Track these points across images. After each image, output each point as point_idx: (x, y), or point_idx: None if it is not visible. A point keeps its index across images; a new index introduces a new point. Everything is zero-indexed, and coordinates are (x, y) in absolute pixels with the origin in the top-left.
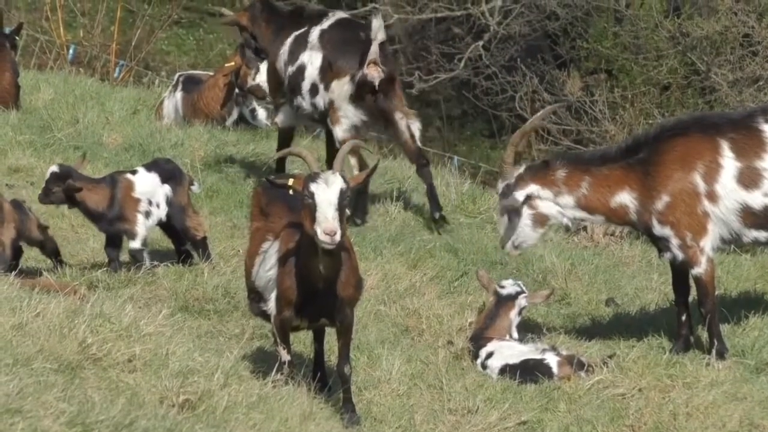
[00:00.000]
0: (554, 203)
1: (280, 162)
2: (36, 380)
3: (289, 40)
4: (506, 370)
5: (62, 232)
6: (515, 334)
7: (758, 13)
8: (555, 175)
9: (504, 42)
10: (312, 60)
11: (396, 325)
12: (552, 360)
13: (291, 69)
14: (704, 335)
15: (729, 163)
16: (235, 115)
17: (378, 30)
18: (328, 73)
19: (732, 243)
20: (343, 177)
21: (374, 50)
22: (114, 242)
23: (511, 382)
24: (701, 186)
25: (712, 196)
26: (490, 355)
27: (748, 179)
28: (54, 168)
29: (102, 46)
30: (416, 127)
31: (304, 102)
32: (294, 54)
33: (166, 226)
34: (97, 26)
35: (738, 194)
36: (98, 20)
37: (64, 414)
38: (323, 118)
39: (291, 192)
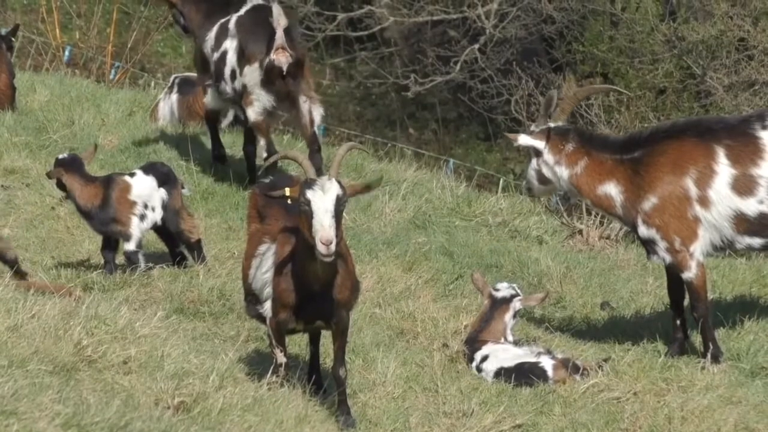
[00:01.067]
0: (552, 171)
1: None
2: (31, 382)
3: (215, 28)
4: (501, 373)
5: (57, 234)
6: (510, 337)
7: (754, 18)
8: (564, 146)
9: (500, 45)
10: (231, 46)
11: (391, 327)
12: (547, 363)
13: (216, 55)
14: (699, 339)
15: (724, 169)
16: (230, 117)
17: (279, 16)
18: (242, 58)
19: (725, 249)
20: (340, 183)
21: (279, 36)
22: (110, 244)
23: (506, 385)
24: (693, 191)
25: (704, 202)
26: (485, 358)
27: (743, 186)
28: (61, 155)
29: (98, 48)
30: (318, 112)
31: (227, 87)
32: (218, 41)
33: (160, 229)
34: (93, 28)
35: (732, 201)
36: (94, 22)
37: (60, 416)
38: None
39: (289, 201)
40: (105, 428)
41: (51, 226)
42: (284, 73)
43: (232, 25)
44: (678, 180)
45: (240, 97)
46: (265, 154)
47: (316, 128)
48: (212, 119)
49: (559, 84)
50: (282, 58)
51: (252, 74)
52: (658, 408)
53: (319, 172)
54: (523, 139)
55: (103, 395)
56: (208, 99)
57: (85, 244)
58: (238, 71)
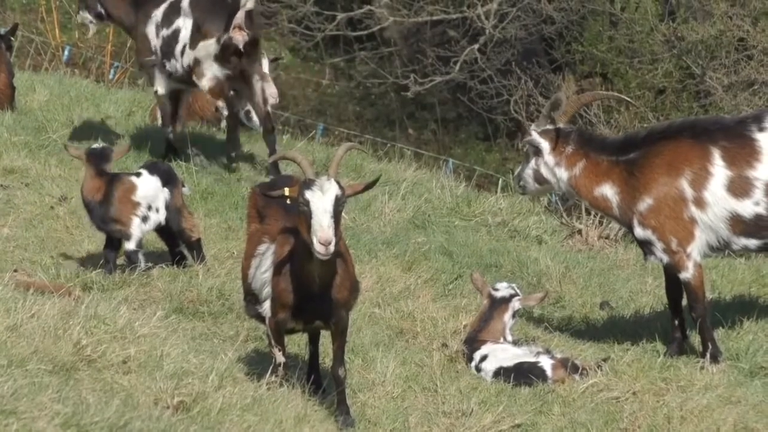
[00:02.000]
0: (552, 172)
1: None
2: (31, 381)
3: (164, 6)
4: (500, 372)
5: (57, 233)
6: (509, 337)
7: (753, 17)
8: (564, 148)
9: (499, 45)
10: (185, 24)
11: (390, 327)
12: (546, 363)
13: (166, 33)
14: (698, 339)
15: (719, 171)
16: None
17: (248, 1)
18: (197, 34)
19: (721, 250)
20: (338, 183)
21: (240, 16)
22: (112, 243)
23: (506, 385)
24: (688, 192)
25: (700, 203)
26: (484, 357)
27: (739, 188)
28: (95, 145)
29: (97, 48)
30: (270, 92)
31: (178, 64)
32: (168, 19)
33: (161, 228)
34: None
35: (727, 202)
36: None
37: (59, 415)
38: (190, 77)
39: (288, 201)
40: (104, 428)
41: (50, 225)
42: (240, 50)
43: (185, 4)
44: (673, 181)
45: (188, 74)
46: (225, 112)
47: (269, 108)
48: (167, 104)
49: (558, 84)
50: (239, 37)
51: (206, 48)
52: (657, 408)
53: (273, 153)
54: (535, 136)
55: (103, 395)
56: (158, 84)
57: (85, 244)
58: (189, 46)
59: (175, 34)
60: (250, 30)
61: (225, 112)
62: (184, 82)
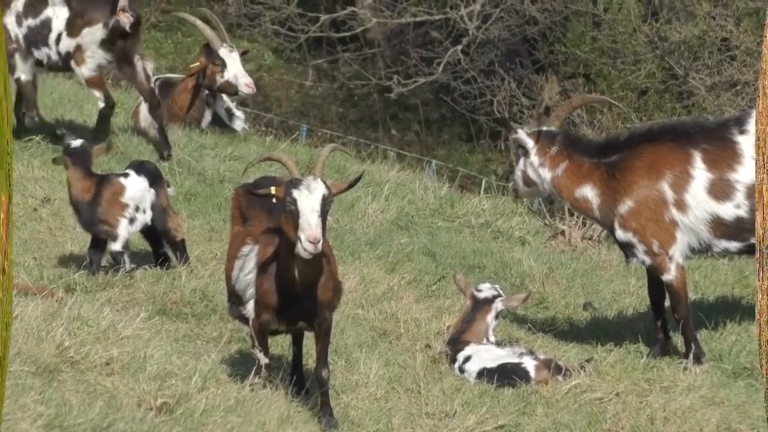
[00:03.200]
0: (536, 172)
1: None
2: (13, 383)
3: None
4: (484, 373)
5: (40, 235)
6: (492, 338)
7: (736, 18)
8: (549, 149)
9: (483, 46)
10: (57, 14)
11: (374, 328)
12: (529, 364)
13: (32, 23)
14: (681, 339)
15: (700, 174)
16: (208, 116)
17: None
18: (76, 23)
19: (702, 252)
20: (325, 183)
21: None
22: (98, 244)
23: (489, 386)
24: (669, 194)
25: (681, 206)
26: (467, 358)
27: (720, 191)
28: (74, 142)
29: None
30: (150, 67)
31: (52, 52)
32: (35, 9)
33: (147, 228)
34: None
35: (708, 205)
36: None
37: (42, 417)
38: (67, 64)
39: (274, 200)
40: (87, 429)
41: (33, 227)
42: (127, 32)
43: None
44: (654, 184)
45: (65, 61)
46: (102, 105)
47: (152, 84)
48: (31, 90)
49: (541, 85)
50: (125, 20)
51: (92, 35)
52: (640, 408)
53: (161, 127)
54: (521, 134)
55: (86, 396)
56: (20, 70)
57: (68, 246)
58: (66, 34)
59: (46, 24)
60: (132, 11)
61: (101, 104)
62: (56, 68)
